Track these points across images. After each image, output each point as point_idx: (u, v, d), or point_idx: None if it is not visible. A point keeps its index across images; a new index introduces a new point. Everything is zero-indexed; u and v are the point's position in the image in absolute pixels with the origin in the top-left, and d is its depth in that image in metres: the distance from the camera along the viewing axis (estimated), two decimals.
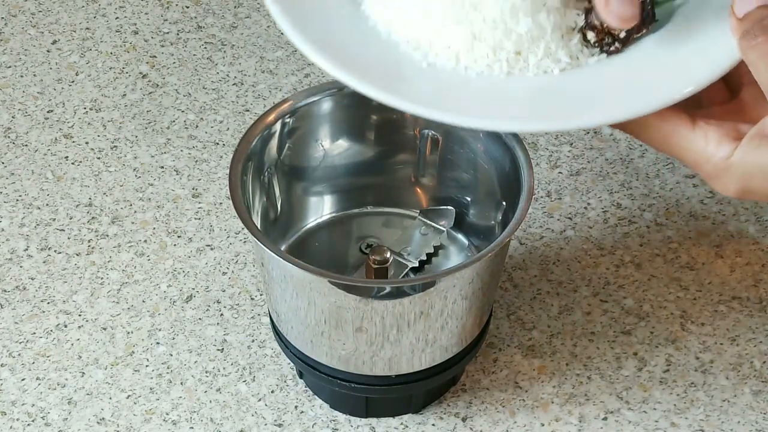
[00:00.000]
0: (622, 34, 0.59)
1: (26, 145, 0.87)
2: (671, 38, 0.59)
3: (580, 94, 0.58)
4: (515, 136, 0.66)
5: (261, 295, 0.76)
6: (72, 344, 0.74)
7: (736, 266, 0.79)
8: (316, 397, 0.71)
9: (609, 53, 0.59)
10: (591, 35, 0.59)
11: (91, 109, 0.90)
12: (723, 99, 0.58)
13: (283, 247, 0.72)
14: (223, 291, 0.77)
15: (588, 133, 0.87)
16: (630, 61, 0.59)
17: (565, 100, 0.57)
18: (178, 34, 0.96)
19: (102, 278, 0.77)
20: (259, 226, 0.63)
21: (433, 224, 0.73)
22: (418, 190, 0.74)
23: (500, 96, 0.58)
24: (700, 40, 0.58)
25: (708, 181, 0.56)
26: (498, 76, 0.58)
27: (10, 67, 0.93)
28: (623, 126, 0.57)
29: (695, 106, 0.56)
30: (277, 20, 0.58)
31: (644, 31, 0.59)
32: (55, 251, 0.79)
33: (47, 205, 0.82)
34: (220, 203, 0.82)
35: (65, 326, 0.75)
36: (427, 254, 0.71)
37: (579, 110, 0.57)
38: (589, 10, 0.59)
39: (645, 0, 0.58)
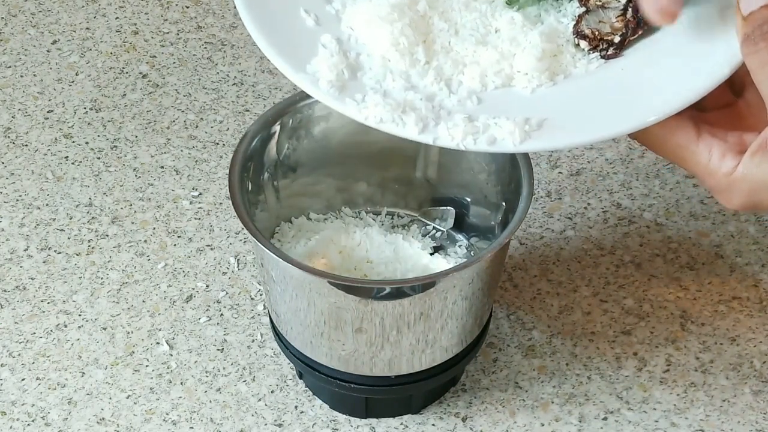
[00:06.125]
0: (617, 39, 0.58)
1: (26, 145, 0.87)
2: (671, 40, 0.58)
3: (578, 109, 0.57)
4: None
5: (261, 295, 0.76)
6: (72, 344, 0.74)
7: (736, 266, 0.79)
8: (316, 397, 0.71)
9: (607, 58, 0.58)
10: (583, 44, 0.58)
11: (91, 109, 0.90)
12: (726, 101, 0.58)
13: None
14: (223, 291, 0.77)
15: None
16: (627, 69, 0.57)
17: (565, 116, 0.56)
18: (178, 34, 0.96)
19: (102, 278, 0.77)
20: (258, 226, 0.63)
21: (433, 224, 0.74)
22: (418, 190, 0.74)
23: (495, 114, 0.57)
24: (703, 42, 0.56)
25: (713, 194, 0.56)
26: (490, 91, 0.58)
27: (10, 67, 0.93)
28: (633, 135, 0.56)
29: (698, 109, 0.56)
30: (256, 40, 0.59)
31: (640, 32, 0.58)
32: (55, 251, 0.79)
33: (47, 205, 0.82)
34: (220, 203, 0.82)
35: (65, 326, 0.75)
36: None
37: (578, 127, 0.55)
38: (578, 19, 0.59)
39: None
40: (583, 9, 0.59)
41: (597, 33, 0.58)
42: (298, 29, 0.59)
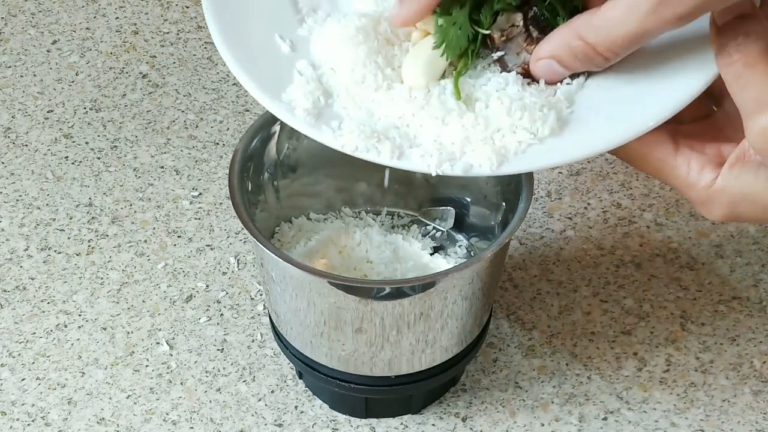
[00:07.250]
0: None
1: (26, 145, 0.87)
2: (644, 55, 0.56)
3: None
4: None
5: (261, 295, 0.76)
6: (72, 344, 0.74)
7: (736, 266, 0.79)
8: (316, 397, 0.71)
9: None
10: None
11: (91, 109, 0.90)
12: (704, 112, 0.57)
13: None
14: (223, 291, 0.77)
15: None
16: (602, 86, 0.56)
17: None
18: (178, 34, 0.96)
19: (102, 278, 0.78)
20: (258, 226, 0.63)
21: (433, 224, 0.74)
22: (418, 190, 0.74)
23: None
24: (677, 55, 0.55)
25: (695, 206, 0.56)
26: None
27: (10, 67, 0.93)
28: (612, 152, 0.56)
29: (676, 121, 0.55)
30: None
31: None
32: (55, 251, 0.79)
33: (47, 205, 0.82)
34: (220, 203, 0.83)
35: (65, 326, 0.75)
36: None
37: (556, 147, 0.55)
38: (522, 67, 0.57)
39: None
40: (521, 58, 0.57)
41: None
42: (272, 56, 0.58)
